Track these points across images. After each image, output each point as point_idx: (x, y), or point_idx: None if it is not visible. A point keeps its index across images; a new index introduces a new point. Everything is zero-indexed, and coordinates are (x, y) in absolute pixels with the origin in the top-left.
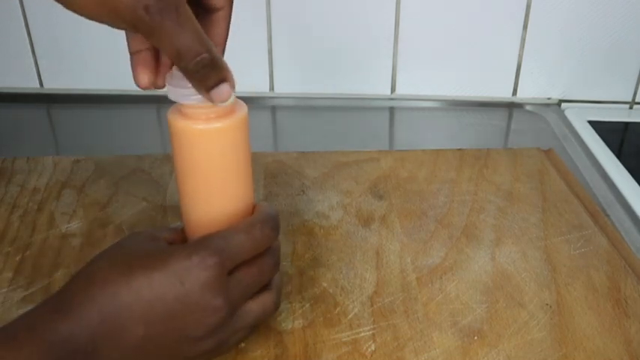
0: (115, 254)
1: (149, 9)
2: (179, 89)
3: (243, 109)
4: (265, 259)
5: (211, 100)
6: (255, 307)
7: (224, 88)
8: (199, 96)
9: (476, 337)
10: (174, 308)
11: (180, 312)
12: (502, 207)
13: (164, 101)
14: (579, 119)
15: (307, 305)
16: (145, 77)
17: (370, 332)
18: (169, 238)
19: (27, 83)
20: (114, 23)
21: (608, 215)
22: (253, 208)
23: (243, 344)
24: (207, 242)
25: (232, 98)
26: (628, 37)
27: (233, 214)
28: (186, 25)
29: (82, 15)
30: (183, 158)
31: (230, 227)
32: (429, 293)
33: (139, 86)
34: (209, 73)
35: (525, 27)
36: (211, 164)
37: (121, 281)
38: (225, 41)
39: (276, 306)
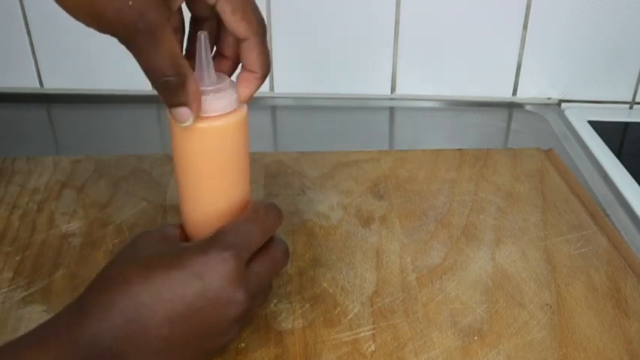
0: (131, 256)
1: (128, 27)
2: None
3: (243, 108)
4: (275, 249)
5: (171, 116)
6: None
7: (181, 111)
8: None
9: (476, 337)
10: (196, 305)
11: (202, 309)
12: (502, 207)
13: None
14: (579, 119)
15: (307, 305)
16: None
17: (370, 332)
18: (180, 235)
19: (27, 83)
20: (99, 29)
21: (608, 215)
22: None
23: (243, 344)
24: (219, 236)
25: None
26: (628, 37)
27: (231, 211)
28: (160, 47)
29: (69, 14)
30: (183, 156)
31: (235, 219)
32: (429, 293)
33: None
34: (171, 95)
35: (525, 27)
36: (210, 162)
37: (140, 282)
38: (262, 69)
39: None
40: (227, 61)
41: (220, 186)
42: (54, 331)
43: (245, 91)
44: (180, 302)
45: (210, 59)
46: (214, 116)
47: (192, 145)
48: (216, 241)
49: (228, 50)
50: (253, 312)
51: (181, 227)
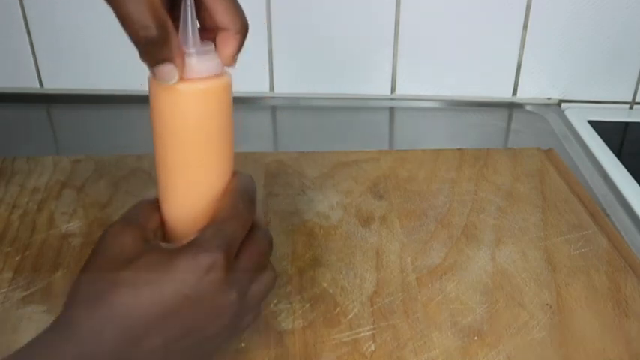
0: (110, 267)
1: None
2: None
3: (227, 74)
4: (260, 240)
5: (154, 76)
6: (257, 287)
7: (166, 68)
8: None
9: (476, 337)
10: (189, 315)
11: (196, 316)
12: (502, 207)
13: None
14: (579, 119)
15: (307, 305)
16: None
17: (370, 332)
18: (153, 226)
19: (27, 83)
20: None
21: (608, 215)
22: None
23: (243, 344)
24: (204, 240)
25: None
26: (628, 37)
27: (212, 185)
28: None
29: None
30: (163, 122)
31: (215, 214)
32: (429, 293)
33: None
34: (153, 49)
35: (525, 27)
36: (196, 128)
37: (130, 298)
38: (235, 24)
39: (275, 281)
40: (208, 32)
41: (200, 155)
42: (44, 350)
43: (225, 51)
44: (173, 314)
45: (195, 20)
46: (199, 78)
47: (177, 109)
48: (202, 246)
49: (208, 21)
50: (256, 300)
51: (151, 210)
